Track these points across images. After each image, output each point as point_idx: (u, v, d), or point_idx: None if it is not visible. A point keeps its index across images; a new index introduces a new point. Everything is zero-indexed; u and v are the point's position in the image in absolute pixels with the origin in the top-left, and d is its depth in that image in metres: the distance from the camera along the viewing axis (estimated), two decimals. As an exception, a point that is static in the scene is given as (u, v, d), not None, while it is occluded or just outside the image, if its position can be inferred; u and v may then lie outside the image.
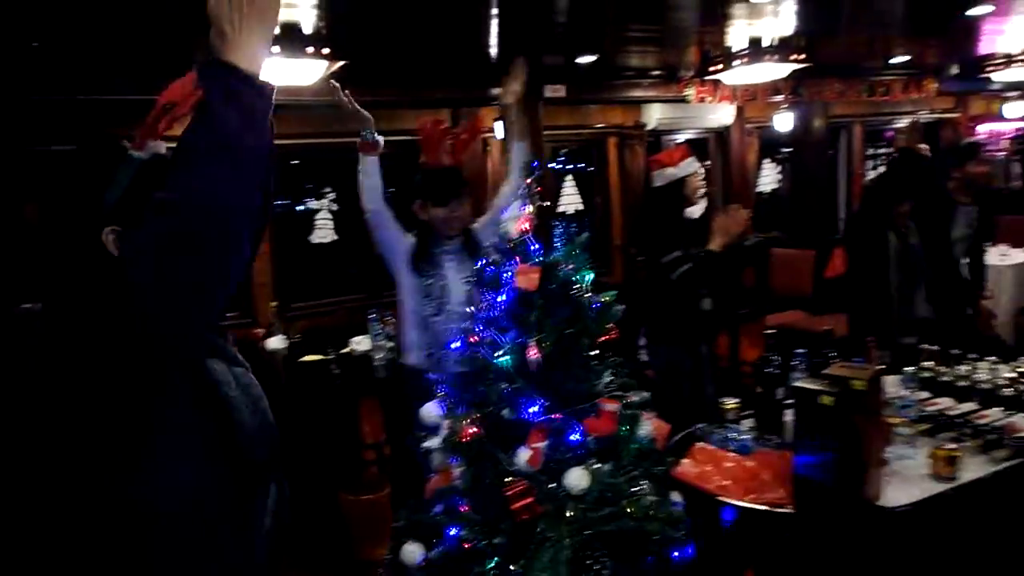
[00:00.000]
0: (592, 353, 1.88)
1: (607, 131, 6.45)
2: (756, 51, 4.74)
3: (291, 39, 3.29)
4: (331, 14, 3.47)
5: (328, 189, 5.60)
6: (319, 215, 5.61)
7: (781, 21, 4.46)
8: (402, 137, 4.45)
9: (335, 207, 5.62)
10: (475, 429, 1.85)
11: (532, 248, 1.91)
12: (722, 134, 7.08)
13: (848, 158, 8.23)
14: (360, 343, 4.58)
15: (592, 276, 1.91)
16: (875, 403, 2.07)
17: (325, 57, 3.42)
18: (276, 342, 4.39)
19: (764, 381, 2.72)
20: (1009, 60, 6.60)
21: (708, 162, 7.04)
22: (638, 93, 6.12)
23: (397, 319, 3.34)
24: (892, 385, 2.80)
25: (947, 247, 4.16)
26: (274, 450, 1.23)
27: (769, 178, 7.85)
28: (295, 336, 4.55)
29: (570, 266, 1.91)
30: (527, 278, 1.85)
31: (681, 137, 6.84)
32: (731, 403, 2.64)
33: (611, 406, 1.84)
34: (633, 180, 6.51)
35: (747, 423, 2.66)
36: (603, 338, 1.92)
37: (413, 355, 3.02)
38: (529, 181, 1.96)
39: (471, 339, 1.93)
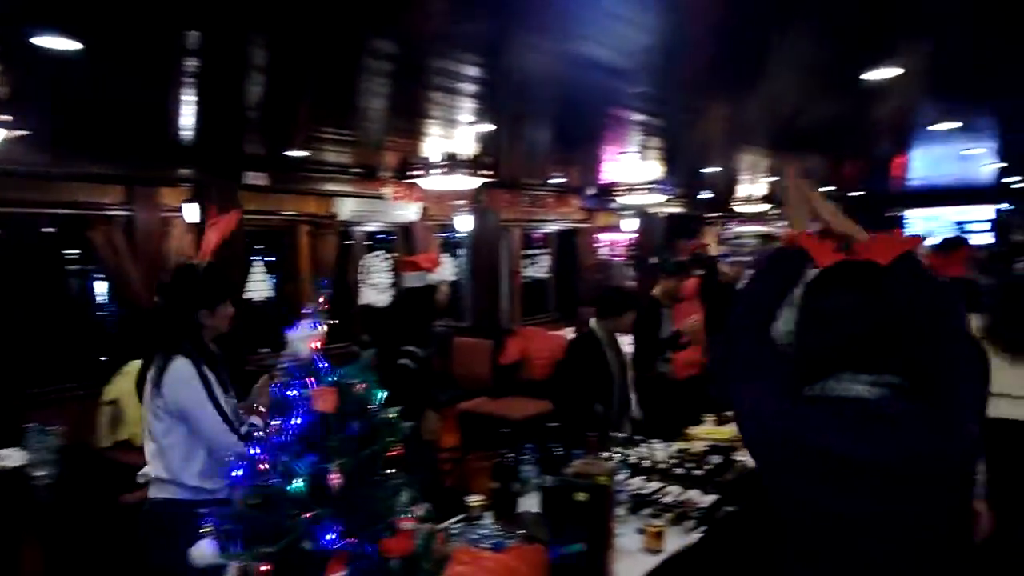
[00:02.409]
0: (388, 471, 1.90)
1: (299, 219, 6.43)
2: (453, 164, 5.26)
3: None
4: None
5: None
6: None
7: (470, 142, 5.07)
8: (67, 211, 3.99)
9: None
10: (267, 566, 1.72)
11: (323, 367, 1.89)
12: (407, 229, 7.52)
13: (509, 257, 9.31)
14: (8, 457, 3.78)
15: (384, 394, 1.95)
16: (611, 492, 2.42)
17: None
18: None
19: (500, 475, 2.95)
20: (630, 188, 8.27)
21: (396, 253, 7.39)
22: (335, 187, 6.27)
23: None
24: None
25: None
26: None
27: (448, 271, 8.50)
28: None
29: (362, 384, 1.92)
30: (324, 399, 1.82)
31: (371, 228, 7.10)
32: (475, 500, 2.81)
33: (408, 524, 1.87)
34: (323, 268, 6.55)
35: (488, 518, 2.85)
36: (392, 453, 1.95)
37: (189, 481, 2.55)
38: (322, 299, 1.95)
39: (259, 466, 1.80)
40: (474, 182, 5.32)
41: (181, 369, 2.51)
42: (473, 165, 5.22)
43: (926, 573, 1.43)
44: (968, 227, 12.87)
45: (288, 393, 1.85)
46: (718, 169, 7.77)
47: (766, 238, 13.73)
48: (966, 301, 3.92)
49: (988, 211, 13.20)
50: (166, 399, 2.51)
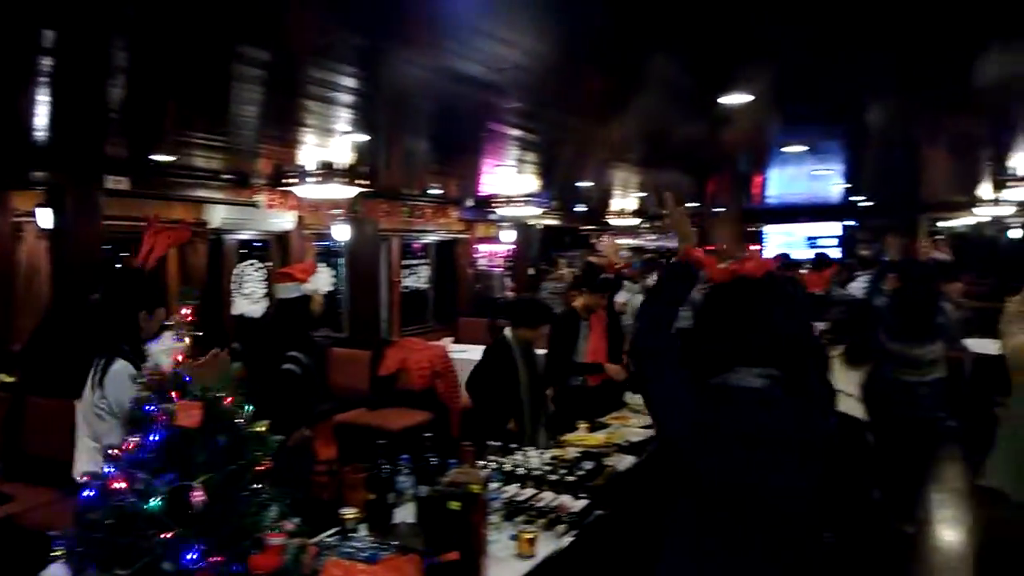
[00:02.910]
0: (256, 485, 1.86)
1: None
2: (329, 172, 5.17)
3: None
4: None
5: None
6: None
7: (346, 151, 5.02)
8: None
9: None
10: (123, 590, 1.64)
11: (187, 381, 1.83)
12: (282, 237, 7.30)
13: (388, 267, 9.22)
14: None
15: (252, 408, 1.91)
16: (484, 501, 2.47)
17: None
18: None
19: (375, 486, 2.93)
20: (508, 200, 8.43)
21: (270, 263, 7.15)
22: (204, 193, 6.00)
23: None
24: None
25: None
26: None
27: (325, 281, 8.30)
28: None
29: (228, 398, 1.88)
30: (188, 414, 1.76)
31: (244, 236, 6.85)
32: (350, 512, 2.78)
33: (276, 539, 1.84)
34: (193, 277, 6.24)
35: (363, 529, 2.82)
36: (261, 468, 1.92)
37: None
38: (185, 312, 1.88)
39: (112, 485, 1.72)
40: (350, 191, 5.25)
41: (123, 371, 2.56)
42: (349, 174, 5.16)
43: (803, 534, 1.74)
44: (819, 242, 13.97)
45: (147, 408, 1.78)
46: (591, 184, 8.08)
47: (638, 251, 14.40)
48: (820, 312, 4.51)
49: (836, 227, 14.36)
50: (109, 400, 2.55)
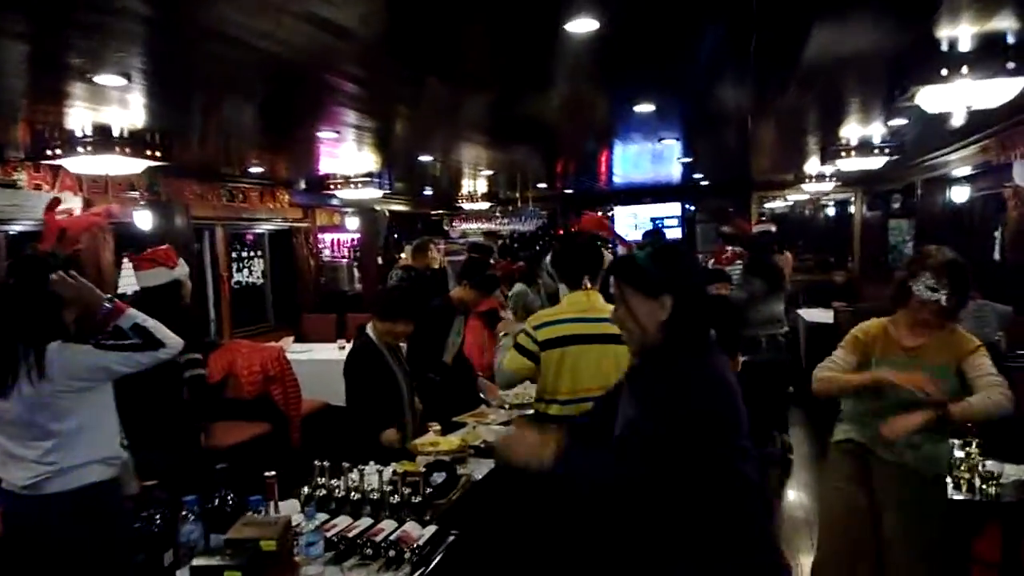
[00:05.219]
0: None
1: None
2: (104, 140, 4.15)
3: None
4: None
5: None
6: None
7: (131, 112, 4.01)
8: None
9: None
10: None
11: None
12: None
13: (213, 260, 8.11)
14: None
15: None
16: (287, 556, 1.78)
17: None
18: None
19: (146, 544, 2.15)
20: (347, 180, 7.60)
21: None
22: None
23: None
24: (291, 510, 2.59)
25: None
26: None
27: (129, 279, 7.11)
28: None
29: None
30: None
31: (16, 228, 5.57)
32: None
33: None
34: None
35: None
36: None
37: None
38: None
39: None
40: (137, 164, 4.27)
41: (61, 348, 2.49)
42: (135, 143, 4.17)
43: None
44: (664, 223, 14.27)
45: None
46: (436, 159, 7.42)
47: (491, 235, 14.00)
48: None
49: (677, 208, 14.72)
50: (57, 382, 2.45)
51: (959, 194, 8.28)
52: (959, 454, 3.00)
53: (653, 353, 1.80)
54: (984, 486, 2.95)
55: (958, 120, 5.49)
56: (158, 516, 2.24)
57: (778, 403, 6.31)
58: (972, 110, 3.66)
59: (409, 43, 3.10)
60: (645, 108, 4.72)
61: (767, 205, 12.84)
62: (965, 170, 7.39)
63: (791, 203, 13.93)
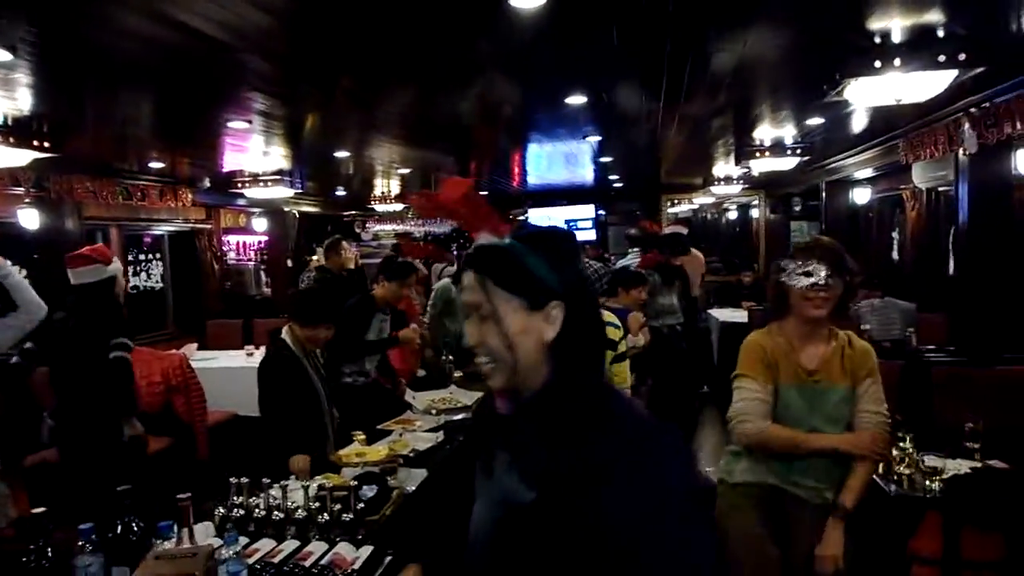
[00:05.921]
0: None
1: None
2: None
3: None
4: None
5: None
6: None
7: (16, 95, 3.60)
8: None
9: None
10: None
11: None
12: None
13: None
14: None
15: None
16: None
17: None
18: None
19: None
20: (256, 178, 7.21)
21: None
22: None
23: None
24: (205, 534, 2.34)
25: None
26: None
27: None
28: None
29: None
30: None
31: None
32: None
33: None
34: None
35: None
36: None
37: None
38: None
39: None
40: (22, 156, 3.83)
41: None
42: (20, 132, 3.75)
43: None
44: (577, 224, 14.41)
45: None
46: (349, 160, 7.13)
47: (404, 236, 13.71)
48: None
49: (591, 210, 14.90)
50: None
51: (861, 195, 8.69)
52: (894, 451, 3.00)
53: (538, 402, 1.15)
54: (928, 483, 2.87)
55: (861, 122, 5.72)
56: (49, 548, 1.96)
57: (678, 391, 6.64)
58: (887, 106, 3.77)
59: (328, 22, 2.89)
60: (577, 100, 4.64)
61: (671, 209, 13.13)
62: (867, 172, 7.74)
63: (697, 206, 14.35)
